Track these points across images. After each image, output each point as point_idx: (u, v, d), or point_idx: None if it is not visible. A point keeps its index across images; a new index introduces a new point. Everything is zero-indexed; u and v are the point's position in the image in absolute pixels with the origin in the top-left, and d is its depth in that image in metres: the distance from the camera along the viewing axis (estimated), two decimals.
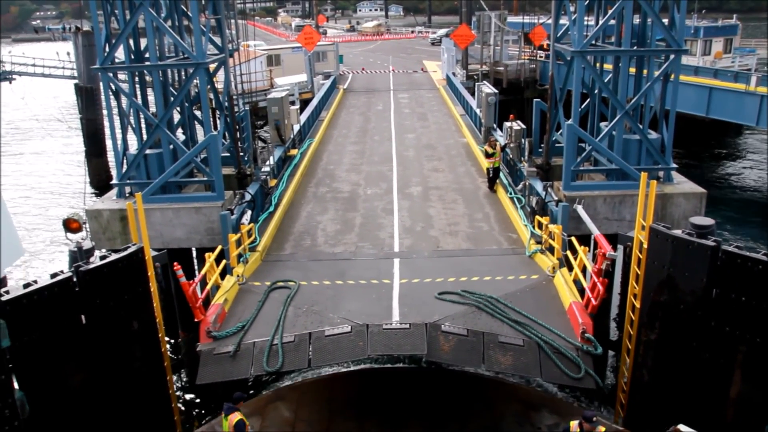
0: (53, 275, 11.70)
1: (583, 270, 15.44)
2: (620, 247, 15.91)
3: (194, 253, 20.46)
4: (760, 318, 11.51)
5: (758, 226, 32.43)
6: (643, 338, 13.54)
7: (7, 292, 10.92)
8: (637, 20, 19.72)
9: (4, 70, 53.82)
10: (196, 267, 20.08)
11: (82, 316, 12.00)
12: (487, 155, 23.11)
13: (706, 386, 12.44)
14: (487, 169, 23.40)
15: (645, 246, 13.23)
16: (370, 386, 16.83)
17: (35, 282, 11.39)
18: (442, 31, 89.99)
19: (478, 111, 32.06)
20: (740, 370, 11.94)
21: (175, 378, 16.27)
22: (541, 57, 49.98)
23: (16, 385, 10.90)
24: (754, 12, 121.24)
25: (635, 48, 19.53)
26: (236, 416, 11.85)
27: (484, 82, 35.39)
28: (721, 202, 34.44)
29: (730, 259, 11.76)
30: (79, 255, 12.95)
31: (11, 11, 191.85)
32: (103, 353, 12.30)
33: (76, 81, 44.45)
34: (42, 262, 30.31)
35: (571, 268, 15.73)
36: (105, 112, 34.21)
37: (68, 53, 51.18)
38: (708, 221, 12.63)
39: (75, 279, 11.81)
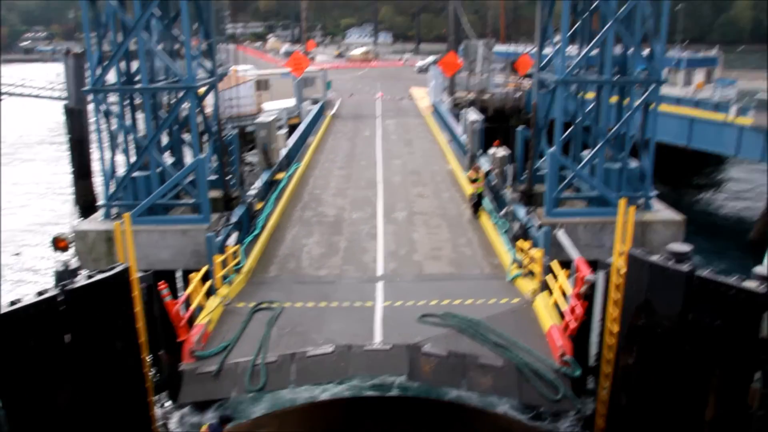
0: (39, 293, 11.77)
1: (564, 295, 15.67)
2: (600, 273, 16.16)
3: (179, 275, 20.50)
4: (733, 342, 11.77)
5: (737, 253, 32.84)
6: (621, 362, 13.74)
7: None
8: (619, 50, 20.22)
9: None
10: (180, 289, 20.09)
11: (67, 335, 12.05)
12: (471, 181, 23.45)
13: (683, 409, 12.63)
14: (471, 194, 23.72)
15: (623, 271, 13.50)
16: (352, 414, 16.85)
17: (20, 300, 11.46)
18: (430, 59, 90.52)
19: (463, 138, 32.46)
20: (715, 394, 12.17)
21: (156, 399, 16.23)
22: (526, 87, 50.71)
23: None
24: (737, 43, 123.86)
25: (616, 78, 20.00)
26: None
27: (471, 108, 35.87)
28: (702, 230, 34.80)
29: (704, 285, 12.01)
30: (65, 274, 13.02)
31: (1, 32, 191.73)
32: (86, 372, 12.32)
33: (65, 102, 44.55)
34: (28, 282, 30.16)
35: (551, 292, 15.96)
36: (94, 133, 34.30)
37: (57, 75, 51.31)
38: (685, 247, 12.86)
39: (61, 297, 11.89)
